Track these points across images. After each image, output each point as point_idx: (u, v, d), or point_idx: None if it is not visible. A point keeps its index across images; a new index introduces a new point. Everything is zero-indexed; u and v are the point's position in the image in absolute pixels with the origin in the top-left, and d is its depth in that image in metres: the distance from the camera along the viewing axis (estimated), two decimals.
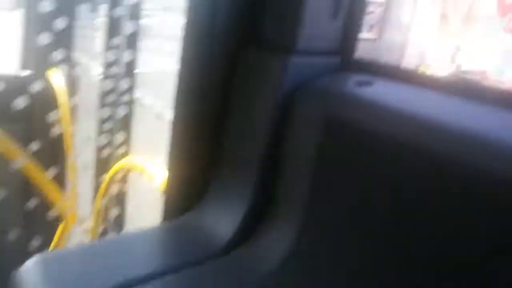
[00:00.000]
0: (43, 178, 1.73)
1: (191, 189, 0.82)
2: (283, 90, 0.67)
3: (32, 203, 1.99)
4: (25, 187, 2.02)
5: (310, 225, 0.65)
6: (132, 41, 1.88)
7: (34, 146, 1.99)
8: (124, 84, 1.88)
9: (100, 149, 1.93)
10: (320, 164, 0.63)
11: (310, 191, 0.64)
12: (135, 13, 1.88)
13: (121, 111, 1.88)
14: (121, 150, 1.85)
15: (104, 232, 1.85)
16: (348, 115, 0.61)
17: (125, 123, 1.89)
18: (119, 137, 1.88)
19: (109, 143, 1.91)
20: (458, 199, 0.47)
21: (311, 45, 0.69)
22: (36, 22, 1.91)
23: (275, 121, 0.68)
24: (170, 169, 0.83)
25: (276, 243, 0.67)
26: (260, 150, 0.70)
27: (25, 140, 1.99)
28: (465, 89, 0.59)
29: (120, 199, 1.89)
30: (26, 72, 1.98)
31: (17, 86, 1.94)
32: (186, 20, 0.77)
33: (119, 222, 1.94)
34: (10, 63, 2.15)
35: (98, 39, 2.02)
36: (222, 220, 0.73)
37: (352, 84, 0.65)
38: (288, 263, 0.64)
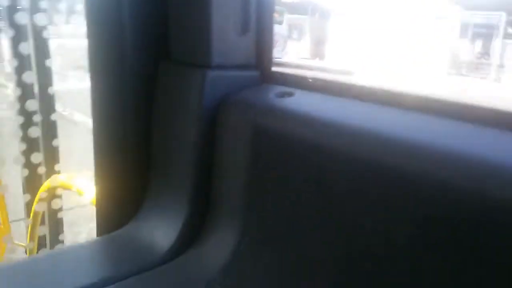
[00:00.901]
0: None
1: (124, 203, 0.82)
2: (204, 103, 0.70)
3: None
4: None
5: (249, 229, 0.68)
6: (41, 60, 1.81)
7: None
8: (41, 103, 1.80)
9: (27, 167, 1.85)
10: (251, 170, 0.67)
11: (246, 197, 0.68)
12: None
13: (41, 130, 1.80)
14: (45, 169, 1.77)
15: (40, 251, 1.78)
16: (273, 124, 0.65)
17: (48, 141, 1.82)
18: (43, 155, 1.81)
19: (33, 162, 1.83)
20: (376, 194, 0.52)
21: (226, 60, 0.72)
22: None
23: (201, 133, 0.71)
24: (98, 185, 0.84)
25: (217, 249, 0.70)
26: (190, 162, 0.72)
27: None
28: (380, 95, 0.64)
29: (53, 217, 1.83)
30: None
31: None
32: (90, 41, 0.77)
33: (54, 239, 1.88)
34: None
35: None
36: (160, 231, 0.74)
37: (274, 95, 0.70)
38: (230, 268, 0.67)
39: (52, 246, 1.84)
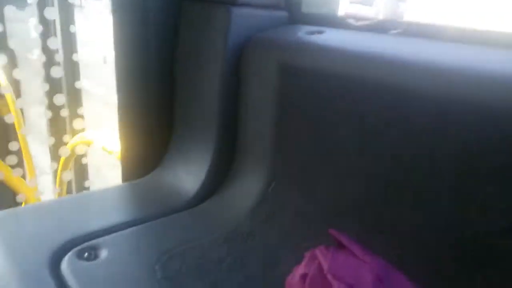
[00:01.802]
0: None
1: (148, 151, 0.81)
2: (229, 42, 0.67)
3: None
4: None
5: (277, 172, 0.66)
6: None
7: None
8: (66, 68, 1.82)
9: (53, 124, 1.87)
10: (279, 111, 0.64)
11: (273, 139, 0.66)
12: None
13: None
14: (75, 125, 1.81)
15: None
16: (301, 61, 0.62)
17: (75, 100, 1.84)
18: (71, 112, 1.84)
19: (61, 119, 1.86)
20: (416, 123, 0.49)
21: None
22: None
23: (228, 73, 0.68)
24: (122, 135, 0.83)
25: (244, 192, 0.68)
26: (216, 103, 0.70)
27: None
28: (416, 29, 0.61)
29: (80, 173, 1.87)
30: None
31: None
32: None
33: (80, 185, 1.92)
34: None
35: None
36: (186, 176, 0.73)
37: (303, 33, 0.66)
38: (257, 211, 0.65)
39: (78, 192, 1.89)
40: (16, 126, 1.77)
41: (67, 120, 1.83)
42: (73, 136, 1.68)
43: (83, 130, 1.76)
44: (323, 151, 0.60)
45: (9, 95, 1.76)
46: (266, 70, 0.65)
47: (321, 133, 0.60)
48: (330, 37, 0.64)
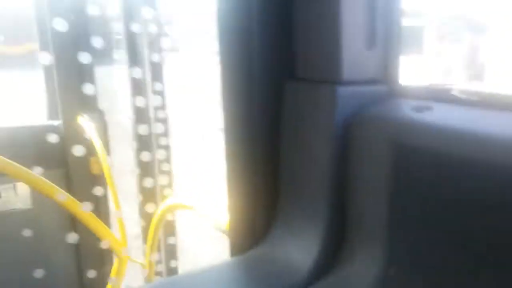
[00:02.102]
0: (89, 215, 1.79)
1: (255, 223, 0.85)
2: (335, 120, 0.70)
3: (82, 240, 2.08)
4: (73, 224, 2.11)
5: (396, 255, 0.65)
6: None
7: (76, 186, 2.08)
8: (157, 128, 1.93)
9: (142, 183, 1.99)
10: (394, 189, 0.65)
11: (389, 218, 0.66)
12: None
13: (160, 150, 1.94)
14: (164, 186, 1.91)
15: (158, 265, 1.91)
16: (415, 140, 0.63)
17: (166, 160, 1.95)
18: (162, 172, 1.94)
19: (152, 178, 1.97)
20: None
21: (355, 75, 0.72)
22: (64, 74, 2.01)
23: (333, 151, 0.70)
24: (231, 206, 0.87)
25: (360, 275, 0.68)
26: (325, 179, 0.72)
27: (65, 183, 2.09)
28: None
29: (170, 233, 1.95)
30: (57, 121, 2.09)
31: (49, 134, 2.04)
32: (220, 58, 0.81)
33: (172, 255, 2.00)
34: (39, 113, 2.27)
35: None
36: (296, 253, 0.75)
37: (410, 109, 0.67)
38: None
39: (167, 263, 1.96)
40: (109, 183, 1.89)
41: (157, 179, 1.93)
42: (162, 200, 1.76)
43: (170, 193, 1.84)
44: (443, 235, 0.59)
45: (102, 153, 1.90)
46: (377, 147, 0.67)
47: (439, 216, 0.60)
48: (441, 115, 0.64)
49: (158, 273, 2.00)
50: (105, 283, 1.97)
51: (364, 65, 0.73)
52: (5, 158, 1.42)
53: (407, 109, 0.68)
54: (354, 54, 0.71)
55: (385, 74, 0.75)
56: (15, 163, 1.44)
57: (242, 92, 0.79)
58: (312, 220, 0.75)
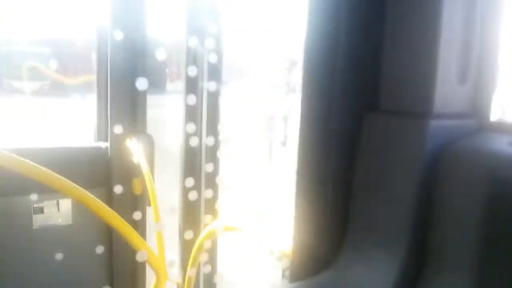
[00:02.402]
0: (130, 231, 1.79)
1: (320, 250, 0.83)
2: (424, 153, 0.68)
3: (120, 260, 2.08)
4: (110, 241, 2.13)
5: (482, 285, 0.63)
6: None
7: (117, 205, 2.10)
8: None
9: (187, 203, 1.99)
10: (486, 221, 0.62)
11: (477, 256, 0.63)
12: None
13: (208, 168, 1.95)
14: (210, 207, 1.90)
15: None
16: None
17: (212, 182, 1.96)
18: (207, 194, 1.94)
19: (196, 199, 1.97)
20: None
21: (445, 109, 0.71)
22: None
23: (422, 182, 0.69)
24: (296, 230, 0.85)
25: None
26: (409, 209, 0.70)
27: (107, 203, 2.12)
28: None
29: (211, 257, 1.93)
30: (105, 143, 2.16)
31: (98, 155, 2.10)
32: (302, 87, 0.82)
33: (210, 279, 1.97)
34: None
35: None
36: (368, 283, 0.72)
37: (507, 144, 0.66)
38: None
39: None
40: (152, 203, 1.90)
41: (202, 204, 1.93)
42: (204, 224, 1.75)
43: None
44: None
45: (147, 173, 1.92)
46: (470, 180, 0.65)
47: None
48: None
49: None
50: None
51: (455, 99, 0.72)
52: (55, 173, 1.46)
53: (502, 143, 0.66)
54: (447, 87, 0.70)
55: (475, 108, 0.74)
56: (63, 178, 1.47)
57: (319, 121, 0.79)
58: (388, 250, 0.72)
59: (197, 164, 2.02)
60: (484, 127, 0.73)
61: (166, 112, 2.44)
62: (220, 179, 1.96)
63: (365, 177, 0.78)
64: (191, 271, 1.71)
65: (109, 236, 2.13)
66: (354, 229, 0.80)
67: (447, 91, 0.70)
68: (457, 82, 0.71)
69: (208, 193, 1.94)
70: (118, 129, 2.12)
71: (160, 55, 1.57)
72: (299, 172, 0.84)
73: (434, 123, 0.69)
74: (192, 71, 1.93)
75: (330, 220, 0.82)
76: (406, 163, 0.71)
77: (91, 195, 1.56)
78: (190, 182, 2.00)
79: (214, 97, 1.98)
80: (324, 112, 0.79)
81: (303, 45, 0.81)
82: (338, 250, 0.81)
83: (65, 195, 1.89)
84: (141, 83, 1.55)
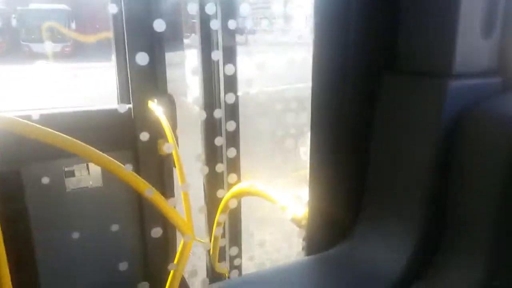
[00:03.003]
0: (156, 195, 1.82)
1: (335, 221, 0.80)
2: (444, 115, 0.63)
3: (150, 221, 2.14)
4: (140, 203, 2.18)
5: (499, 269, 0.59)
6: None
7: (144, 166, 2.14)
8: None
9: (211, 166, 2.00)
10: (507, 188, 0.58)
11: (497, 227, 0.59)
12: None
13: (229, 127, 1.93)
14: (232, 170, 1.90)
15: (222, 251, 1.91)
16: None
17: (234, 142, 1.94)
18: (230, 154, 1.94)
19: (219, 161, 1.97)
20: None
21: (467, 67, 0.64)
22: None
23: (440, 147, 0.64)
24: (311, 201, 0.82)
25: (458, 281, 0.62)
26: (425, 177, 0.66)
27: (134, 163, 2.15)
28: None
29: (235, 218, 1.95)
30: (127, 105, 2.15)
31: (122, 117, 2.10)
32: (313, 47, 0.76)
33: (236, 239, 2.00)
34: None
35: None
36: (384, 257, 0.69)
37: None
38: None
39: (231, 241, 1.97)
40: (176, 164, 1.91)
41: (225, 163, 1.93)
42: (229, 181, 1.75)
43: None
44: None
45: (170, 134, 1.92)
46: (491, 144, 0.59)
47: None
48: None
49: (221, 258, 2.01)
50: (169, 260, 2.02)
51: (479, 56, 0.65)
52: (74, 139, 1.47)
53: None
54: (469, 44, 0.63)
55: (501, 65, 0.66)
56: (84, 144, 1.49)
57: (333, 84, 0.74)
58: (405, 221, 0.69)
59: (217, 123, 2.00)
60: (511, 85, 0.66)
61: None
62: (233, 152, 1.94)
63: (382, 142, 0.73)
64: (217, 231, 1.73)
65: (139, 197, 2.18)
66: (370, 199, 0.76)
67: (470, 47, 0.63)
68: (480, 36, 0.63)
69: (230, 152, 1.93)
70: (139, 90, 2.12)
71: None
72: (313, 139, 0.80)
73: (454, 83, 0.62)
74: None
75: (346, 189, 0.79)
76: (425, 127, 0.65)
77: (115, 161, 1.58)
78: (219, 141, 1.99)
79: (231, 53, 1.91)
80: (338, 74, 0.73)
81: (314, 4, 0.75)
82: (354, 221, 0.78)
83: (90, 161, 1.93)
84: (159, 25, 1.49)
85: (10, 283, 1.43)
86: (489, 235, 0.60)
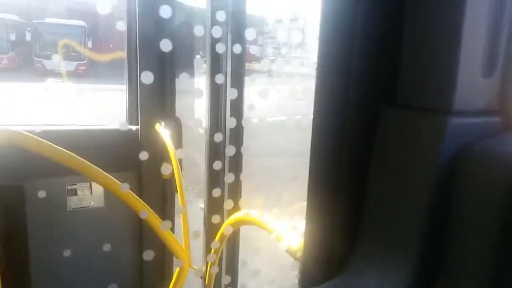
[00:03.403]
0: (156, 221, 1.81)
1: (331, 255, 0.78)
2: (442, 153, 0.62)
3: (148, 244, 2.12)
4: (140, 226, 2.17)
5: None
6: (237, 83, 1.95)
7: (147, 189, 2.13)
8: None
9: (210, 192, 1.99)
10: (504, 229, 0.57)
11: (495, 258, 0.58)
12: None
13: (230, 152, 1.93)
14: (232, 197, 1.89)
15: (217, 278, 1.88)
16: None
17: (235, 168, 1.94)
18: (229, 180, 1.93)
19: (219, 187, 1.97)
20: None
21: (467, 105, 0.64)
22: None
23: (438, 183, 0.63)
24: (307, 235, 0.81)
25: None
26: (423, 211, 0.64)
27: (136, 185, 2.15)
28: None
29: (232, 246, 1.93)
30: (135, 127, 2.17)
31: (128, 138, 2.12)
32: (317, 80, 0.77)
33: (232, 268, 1.97)
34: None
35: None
36: None
37: None
38: None
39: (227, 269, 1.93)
40: (178, 188, 1.91)
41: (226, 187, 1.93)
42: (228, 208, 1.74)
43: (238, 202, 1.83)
44: None
45: (175, 158, 1.92)
46: (489, 184, 0.58)
47: None
48: None
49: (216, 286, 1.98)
50: (165, 284, 1.98)
51: (479, 94, 0.65)
52: (79, 157, 1.48)
53: None
54: (470, 82, 0.63)
55: (501, 105, 0.66)
56: (88, 163, 1.49)
57: (334, 113, 0.74)
58: (401, 258, 0.67)
59: (220, 147, 2.01)
60: (511, 125, 0.65)
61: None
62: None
63: (379, 177, 0.73)
64: (211, 258, 1.71)
65: (140, 220, 2.17)
66: (367, 233, 0.75)
67: (470, 85, 0.63)
68: (481, 75, 0.63)
69: (229, 178, 1.92)
70: (147, 113, 2.14)
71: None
72: (311, 171, 0.80)
73: (454, 120, 0.62)
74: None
75: (343, 222, 0.77)
76: (422, 162, 0.64)
77: (117, 181, 1.58)
78: (217, 165, 1.99)
79: (238, 78, 1.94)
80: (339, 103, 0.74)
81: (319, 35, 0.76)
82: (351, 255, 0.76)
83: (92, 180, 1.93)
84: (165, 45, 1.53)
85: None
86: (488, 276, 0.59)
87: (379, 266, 0.71)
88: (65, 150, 1.49)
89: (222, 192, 1.98)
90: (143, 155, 1.61)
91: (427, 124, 0.65)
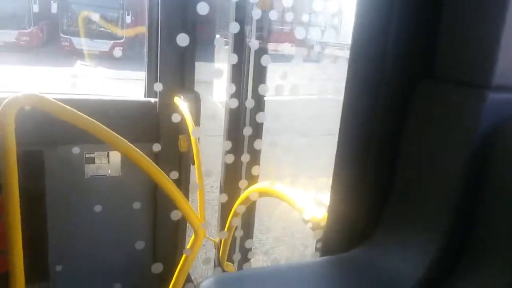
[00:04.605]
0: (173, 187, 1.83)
1: (355, 224, 0.79)
2: (479, 128, 0.61)
3: (162, 214, 2.16)
4: (155, 195, 2.20)
5: None
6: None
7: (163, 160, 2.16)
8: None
9: (228, 165, 2.01)
10: None
11: None
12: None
13: (247, 131, 1.94)
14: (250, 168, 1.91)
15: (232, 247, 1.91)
16: None
17: (252, 144, 1.95)
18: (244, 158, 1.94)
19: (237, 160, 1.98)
20: None
21: (507, 80, 0.63)
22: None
23: (471, 160, 0.62)
24: (332, 206, 0.82)
25: None
26: (451, 191, 0.65)
27: (153, 156, 2.17)
28: None
29: (247, 221, 1.95)
30: (154, 99, 2.18)
31: (147, 110, 2.13)
32: (351, 53, 0.76)
33: (247, 235, 2.00)
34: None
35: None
36: (404, 260, 0.68)
37: None
38: None
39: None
40: (196, 161, 1.93)
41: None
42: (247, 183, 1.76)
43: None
44: None
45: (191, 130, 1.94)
46: None
47: None
48: None
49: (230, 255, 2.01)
50: (178, 252, 2.03)
51: None
52: (103, 126, 1.50)
53: None
54: (510, 57, 0.62)
55: None
56: (110, 131, 1.51)
57: (368, 87, 0.74)
58: (427, 232, 0.68)
59: (237, 127, 2.01)
60: None
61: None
62: (259, 144, 1.94)
63: (411, 149, 0.72)
64: (223, 234, 1.74)
65: (154, 190, 2.20)
66: (394, 205, 0.75)
67: (511, 59, 0.62)
68: None
69: (244, 158, 1.93)
70: (166, 86, 2.14)
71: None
72: (341, 142, 0.80)
73: (493, 95, 0.61)
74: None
75: (369, 193, 0.78)
76: (457, 138, 0.64)
77: (137, 150, 1.60)
78: (227, 145, 2.00)
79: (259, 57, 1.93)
80: (374, 77, 0.73)
81: (355, 6, 0.75)
82: (374, 226, 0.77)
83: (112, 147, 1.96)
84: (182, 39, 1.52)
85: (22, 258, 1.45)
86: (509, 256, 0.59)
87: (403, 240, 0.71)
88: (88, 117, 1.51)
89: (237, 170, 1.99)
90: (168, 127, 1.61)
91: (464, 98, 0.64)
